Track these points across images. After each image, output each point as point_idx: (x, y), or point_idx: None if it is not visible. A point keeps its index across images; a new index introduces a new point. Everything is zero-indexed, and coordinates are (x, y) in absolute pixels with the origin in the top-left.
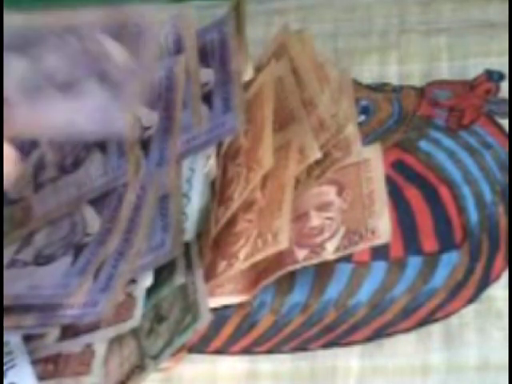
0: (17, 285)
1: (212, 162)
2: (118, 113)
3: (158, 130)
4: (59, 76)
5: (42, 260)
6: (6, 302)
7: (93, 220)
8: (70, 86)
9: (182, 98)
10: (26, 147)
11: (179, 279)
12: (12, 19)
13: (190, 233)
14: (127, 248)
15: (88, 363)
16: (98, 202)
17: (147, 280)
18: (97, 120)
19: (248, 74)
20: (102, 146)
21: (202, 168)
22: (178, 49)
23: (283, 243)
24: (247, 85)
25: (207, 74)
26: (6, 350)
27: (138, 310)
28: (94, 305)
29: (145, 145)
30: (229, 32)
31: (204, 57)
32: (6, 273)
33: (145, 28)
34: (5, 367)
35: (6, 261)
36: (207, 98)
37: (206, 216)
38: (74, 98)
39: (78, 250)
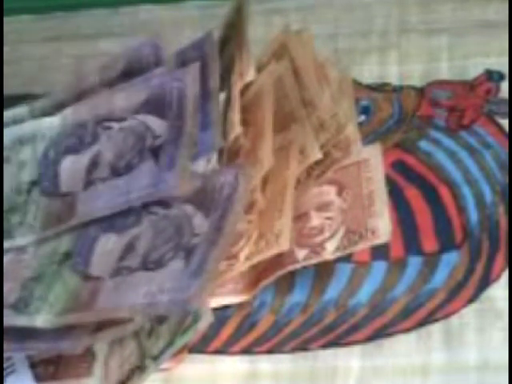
0: (130, 294)
1: (213, 164)
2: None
3: (167, 139)
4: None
5: (152, 265)
6: (120, 314)
7: (199, 220)
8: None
9: (194, 107)
10: (87, 138)
11: None
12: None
13: None
14: (219, 236)
15: (89, 365)
16: (199, 201)
17: None
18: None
19: (250, 76)
20: (155, 153)
21: (202, 170)
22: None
23: (285, 244)
24: (248, 85)
25: None
26: (5, 355)
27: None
28: (185, 289)
29: (155, 152)
30: (209, 51)
31: None
32: (111, 282)
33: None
34: (4, 372)
35: (110, 270)
36: None
37: None
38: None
39: (189, 252)
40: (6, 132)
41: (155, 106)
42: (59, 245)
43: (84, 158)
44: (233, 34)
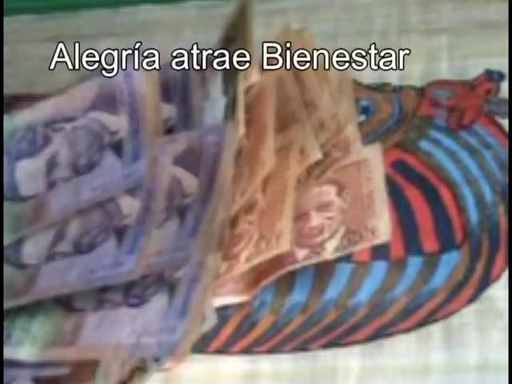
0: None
1: None
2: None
3: (128, 132)
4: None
5: (84, 248)
6: (61, 290)
7: (128, 204)
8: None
9: (151, 100)
10: (39, 142)
11: None
12: None
13: None
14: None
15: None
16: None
17: None
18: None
19: (255, 77)
20: (117, 148)
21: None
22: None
23: (285, 245)
24: (249, 85)
25: (169, 110)
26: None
27: None
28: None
29: (116, 147)
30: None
31: (166, 92)
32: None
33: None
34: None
35: (41, 256)
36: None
37: None
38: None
39: (120, 232)
40: None
41: (106, 102)
42: None
43: (40, 161)
44: (236, 35)
